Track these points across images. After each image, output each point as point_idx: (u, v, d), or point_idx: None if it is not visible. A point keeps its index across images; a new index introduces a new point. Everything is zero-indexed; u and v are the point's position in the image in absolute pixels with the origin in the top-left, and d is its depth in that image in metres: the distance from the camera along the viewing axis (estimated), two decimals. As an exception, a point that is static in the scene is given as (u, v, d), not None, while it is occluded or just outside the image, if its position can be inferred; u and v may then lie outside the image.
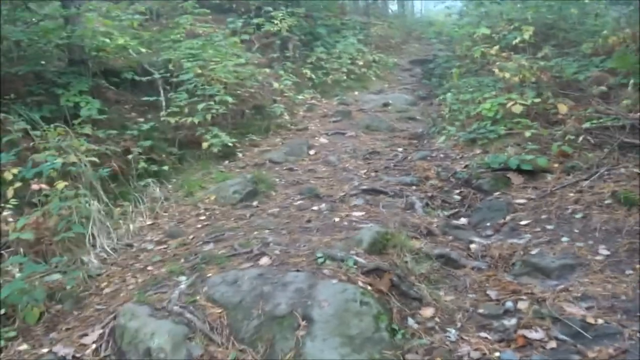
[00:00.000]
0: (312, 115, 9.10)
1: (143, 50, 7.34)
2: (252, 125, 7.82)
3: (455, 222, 4.37)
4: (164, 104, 6.94)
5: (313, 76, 10.79)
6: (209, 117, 6.42)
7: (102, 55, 6.88)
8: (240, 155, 6.75)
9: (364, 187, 5.00)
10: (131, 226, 4.50)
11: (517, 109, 5.78)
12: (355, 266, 3.20)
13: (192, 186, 5.49)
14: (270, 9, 12.95)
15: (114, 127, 6.43)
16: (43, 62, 6.42)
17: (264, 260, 3.38)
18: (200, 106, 6.37)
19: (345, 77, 11.51)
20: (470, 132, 5.98)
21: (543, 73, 7.00)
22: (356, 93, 11.43)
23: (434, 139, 6.70)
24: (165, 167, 5.73)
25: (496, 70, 7.69)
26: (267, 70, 8.60)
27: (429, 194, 4.77)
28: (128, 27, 7.77)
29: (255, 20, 11.05)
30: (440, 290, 3.27)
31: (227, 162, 6.51)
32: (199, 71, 7.08)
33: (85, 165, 4.84)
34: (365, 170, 5.71)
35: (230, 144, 6.49)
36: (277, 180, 5.59)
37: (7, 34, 6.02)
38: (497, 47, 7.37)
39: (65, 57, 6.92)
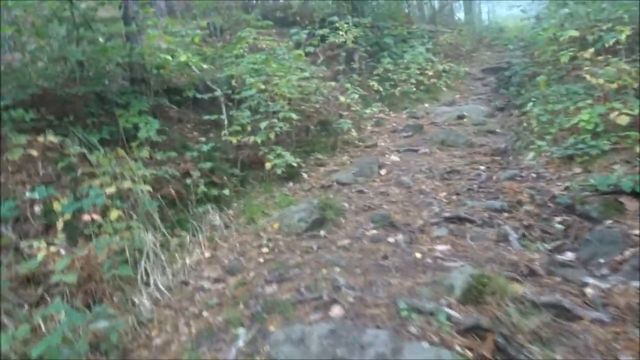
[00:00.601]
0: (381, 130, 8.53)
1: (205, 66, 7.05)
2: (318, 142, 7.35)
3: (560, 257, 3.65)
4: (225, 122, 6.61)
5: (380, 88, 10.24)
6: (272, 135, 6.00)
7: (163, 73, 6.63)
8: (305, 176, 6.28)
9: (446, 214, 4.38)
10: (187, 260, 4.09)
11: (623, 120, 4.98)
12: (448, 322, 2.61)
13: (254, 212, 5.06)
14: (334, 19, 12.62)
15: (174, 147, 6.14)
16: (105, 82, 6.23)
17: (336, 311, 2.85)
18: (263, 124, 5.96)
19: (414, 89, 10.88)
20: (566, 148, 5.21)
21: (647, 78, 6.12)
22: (426, 105, 10.77)
23: (521, 155, 5.95)
24: (226, 191, 5.33)
25: (587, 76, 6.86)
26: (333, 83, 8.13)
27: (525, 223, 4.07)
28: (190, 43, 7.54)
29: (320, 32, 10.68)
30: (557, 354, 2.61)
31: (291, 183, 6.05)
32: (262, 87, 6.71)
33: (142, 191, 4.51)
34: (445, 193, 5.07)
35: (294, 164, 6.03)
36: (346, 205, 5.05)
37: (68, 54, 5.86)
38: (591, 50, 6.52)
39: (127, 76, 6.74)
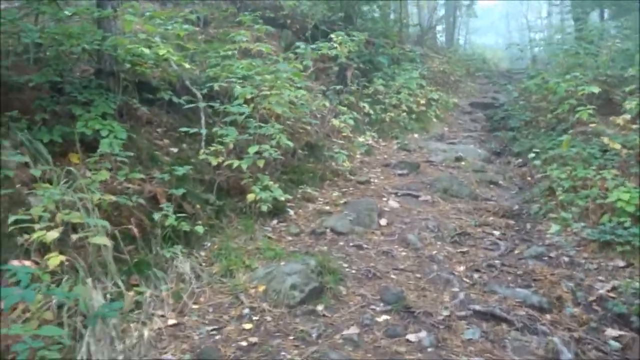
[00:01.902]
0: (372, 162, 7.70)
1: (188, 66, 6.03)
2: (305, 170, 6.43)
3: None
4: (203, 136, 5.62)
5: (371, 112, 9.41)
6: (261, 163, 5.05)
7: (138, 68, 5.57)
8: (291, 212, 5.36)
9: (475, 305, 3.55)
10: (145, 332, 3.10)
11: (673, 208, 4.32)
12: None
13: (233, 261, 4.09)
14: (324, 28, 11.75)
15: (140, 158, 5.13)
16: (64, 70, 5.12)
17: None
18: (252, 149, 5.00)
19: (405, 116, 10.12)
20: (603, 232, 4.49)
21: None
22: (416, 136, 10.04)
23: (541, 225, 5.23)
24: (199, 228, 4.33)
25: (605, 140, 6.27)
26: (327, 103, 7.23)
27: (575, 334, 3.29)
28: (174, 36, 6.48)
29: (308, 39, 9.80)
30: None
31: (275, 221, 5.12)
32: (248, 96, 5.76)
33: (94, 225, 3.48)
34: (462, 267, 4.26)
35: (281, 198, 5.10)
36: (345, 266, 4.17)
37: (23, 30, 4.73)
38: (627, 117, 5.88)
39: (92, 66, 5.64)
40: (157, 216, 3.99)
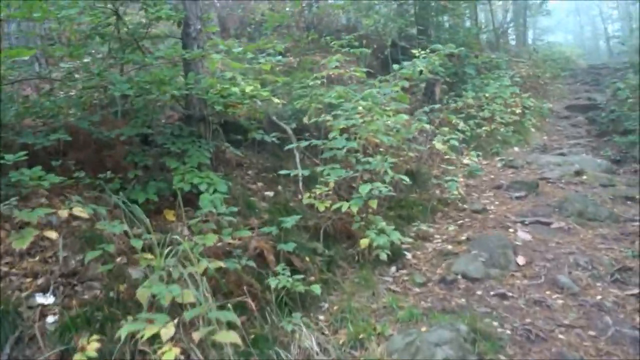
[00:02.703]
0: (479, 184, 6.92)
1: (277, 101, 5.57)
2: (411, 202, 5.78)
3: None
4: (300, 177, 5.10)
5: (466, 128, 8.61)
6: (373, 204, 4.43)
7: (229, 111, 5.16)
8: (409, 256, 4.69)
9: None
10: None
11: None
12: None
13: (361, 326, 3.47)
14: (403, 44, 11.14)
15: (236, 205, 4.66)
16: (150, 120, 4.78)
17: None
18: (363, 188, 4.37)
19: (502, 129, 9.25)
20: None
21: None
22: (516, 149, 9.16)
23: None
24: (316, 287, 3.73)
25: None
26: (428, 126, 6.53)
27: None
28: (252, 71, 6.05)
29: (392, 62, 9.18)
30: None
31: (394, 268, 4.47)
32: (342, 126, 5.20)
33: (205, 299, 2.99)
34: (645, 318, 3.42)
35: (398, 241, 4.45)
36: (496, 324, 3.45)
37: (111, 82, 4.41)
38: None
39: (177, 112, 5.31)
40: (273, 282, 3.43)
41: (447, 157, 6.83)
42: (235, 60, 5.26)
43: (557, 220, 5.34)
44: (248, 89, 5.36)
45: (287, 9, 8.16)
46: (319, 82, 6.19)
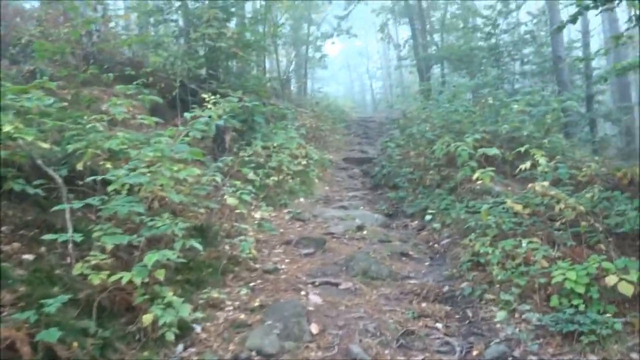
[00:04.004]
0: (269, 239, 6.81)
1: (46, 145, 4.70)
2: (200, 263, 5.33)
3: None
4: (70, 240, 4.28)
5: (255, 178, 8.55)
6: (161, 274, 3.89)
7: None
8: (198, 329, 4.23)
9: None
10: None
11: (627, 289, 4.07)
12: None
13: None
14: (193, 87, 10.78)
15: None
16: None
17: None
18: (150, 258, 3.81)
19: (289, 180, 9.44)
20: (563, 321, 4.06)
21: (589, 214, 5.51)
22: (302, 200, 9.40)
23: (481, 309, 4.74)
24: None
25: (508, 202, 6.12)
26: (217, 177, 6.21)
27: None
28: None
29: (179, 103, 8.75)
30: None
31: (181, 346, 3.97)
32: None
33: None
34: (432, 389, 3.53)
35: (186, 315, 3.97)
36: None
37: None
38: (544, 183, 5.71)
39: None
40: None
41: (238, 211, 6.57)
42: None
43: (345, 281, 5.44)
44: (7, 128, 4.44)
45: (63, 33, 7.12)
46: (97, 124, 5.43)
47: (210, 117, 8.87)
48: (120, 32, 13.42)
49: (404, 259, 6.41)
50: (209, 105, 8.82)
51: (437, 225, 7.44)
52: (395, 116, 19.34)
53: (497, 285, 4.92)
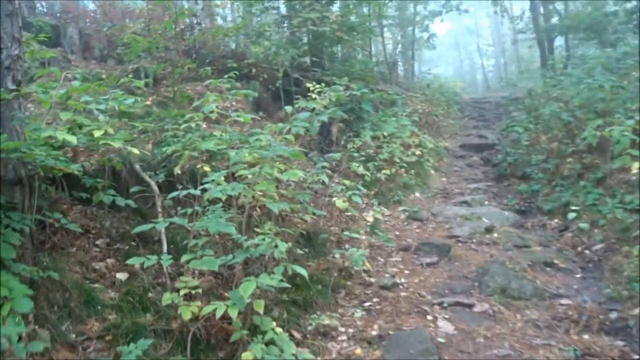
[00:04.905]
0: (385, 245, 5.99)
1: (137, 151, 4.27)
2: (307, 276, 4.66)
3: None
4: (167, 267, 3.76)
5: (365, 172, 7.76)
6: (259, 306, 3.23)
7: (56, 171, 3.74)
8: (308, 368, 3.56)
9: None
10: None
11: None
12: None
13: None
14: (296, 76, 10.19)
15: (68, 305, 3.37)
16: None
17: None
18: (246, 288, 3.15)
19: (403, 173, 8.56)
20: None
21: None
22: (417, 194, 8.49)
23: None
24: None
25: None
26: (324, 178, 5.51)
27: None
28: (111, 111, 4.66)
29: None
30: None
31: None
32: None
33: None
34: None
35: (292, 357, 3.30)
36: None
37: None
38: None
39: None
40: None
41: (348, 213, 5.85)
42: (76, 100, 3.89)
43: (479, 301, 4.51)
44: (97, 134, 4.04)
45: (160, 31, 6.81)
46: (193, 125, 4.93)
47: (314, 109, 8.22)
48: (224, 26, 13.22)
49: (548, 269, 5.31)
50: (314, 96, 8.15)
51: (584, 225, 6.20)
52: (514, 95, 17.55)
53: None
